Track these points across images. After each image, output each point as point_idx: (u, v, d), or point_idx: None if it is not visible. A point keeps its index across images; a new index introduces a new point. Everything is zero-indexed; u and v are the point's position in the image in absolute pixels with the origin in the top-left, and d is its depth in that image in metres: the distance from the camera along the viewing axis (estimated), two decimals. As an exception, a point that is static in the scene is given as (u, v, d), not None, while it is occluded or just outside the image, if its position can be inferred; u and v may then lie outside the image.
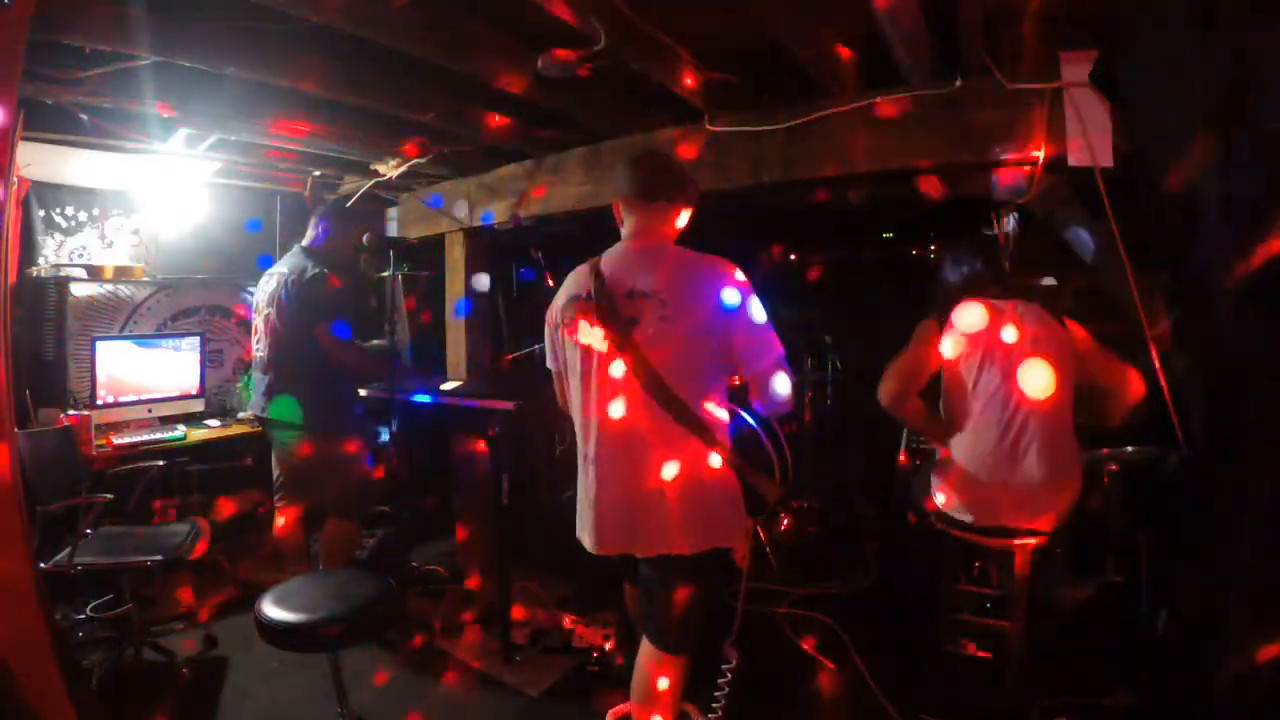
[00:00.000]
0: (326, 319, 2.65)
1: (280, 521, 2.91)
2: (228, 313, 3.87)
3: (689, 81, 2.33)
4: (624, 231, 1.82)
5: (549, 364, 1.93)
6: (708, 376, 1.67)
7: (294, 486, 2.89)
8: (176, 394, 3.48)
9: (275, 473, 2.95)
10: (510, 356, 3.87)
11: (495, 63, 2.24)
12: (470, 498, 3.60)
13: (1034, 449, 1.98)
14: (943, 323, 2.10)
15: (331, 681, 1.94)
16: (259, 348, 2.83)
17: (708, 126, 2.72)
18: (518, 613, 2.87)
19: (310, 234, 2.89)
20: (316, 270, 2.70)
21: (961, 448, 2.10)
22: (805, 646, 2.74)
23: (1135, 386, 2.01)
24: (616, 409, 1.68)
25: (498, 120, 2.83)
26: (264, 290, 2.81)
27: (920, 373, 2.12)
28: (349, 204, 3.78)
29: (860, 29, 1.97)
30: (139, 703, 2.37)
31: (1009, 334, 2.03)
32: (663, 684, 1.74)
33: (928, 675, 2.22)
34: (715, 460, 1.67)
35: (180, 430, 3.27)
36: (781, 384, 1.68)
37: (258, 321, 2.84)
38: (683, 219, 1.82)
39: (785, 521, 3.69)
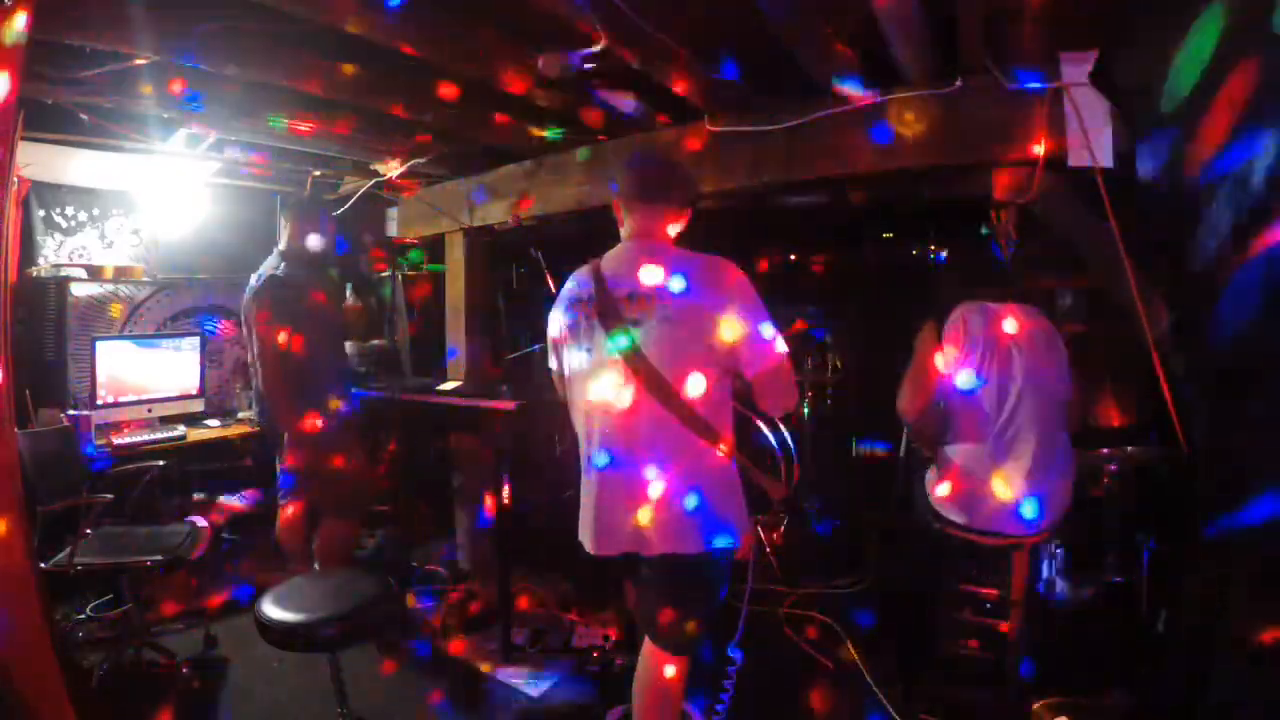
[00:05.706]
0: (296, 326, 2.61)
1: (282, 521, 2.91)
2: (228, 313, 3.86)
3: (689, 81, 2.33)
4: (624, 232, 1.81)
5: (551, 365, 1.92)
6: (711, 377, 1.65)
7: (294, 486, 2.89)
8: (176, 394, 3.48)
9: (278, 470, 2.93)
10: (509, 356, 3.86)
11: (496, 63, 2.24)
12: (470, 498, 3.60)
13: (1028, 450, 1.98)
14: (942, 325, 2.10)
15: (331, 681, 1.94)
16: (250, 353, 2.81)
17: (708, 126, 2.71)
18: (518, 612, 2.86)
19: (282, 237, 2.85)
20: (280, 274, 2.67)
21: (957, 448, 2.10)
22: (805, 646, 2.74)
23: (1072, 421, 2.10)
24: (619, 410, 1.67)
25: (498, 120, 2.83)
26: (246, 295, 2.78)
27: (932, 379, 2.09)
28: (348, 204, 3.77)
29: (860, 28, 1.96)
30: (139, 703, 2.37)
31: (1006, 335, 2.03)
32: (664, 684, 1.73)
33: (928, 675, 2.22)
34: (719, 460, 1.67)
35: (180, 430, 3.27)
36: (784, 384, 1.68)
37: (244, 328, 2.81)
38: (683, 219, 1.82)
39: (787, 521, 3.68)
